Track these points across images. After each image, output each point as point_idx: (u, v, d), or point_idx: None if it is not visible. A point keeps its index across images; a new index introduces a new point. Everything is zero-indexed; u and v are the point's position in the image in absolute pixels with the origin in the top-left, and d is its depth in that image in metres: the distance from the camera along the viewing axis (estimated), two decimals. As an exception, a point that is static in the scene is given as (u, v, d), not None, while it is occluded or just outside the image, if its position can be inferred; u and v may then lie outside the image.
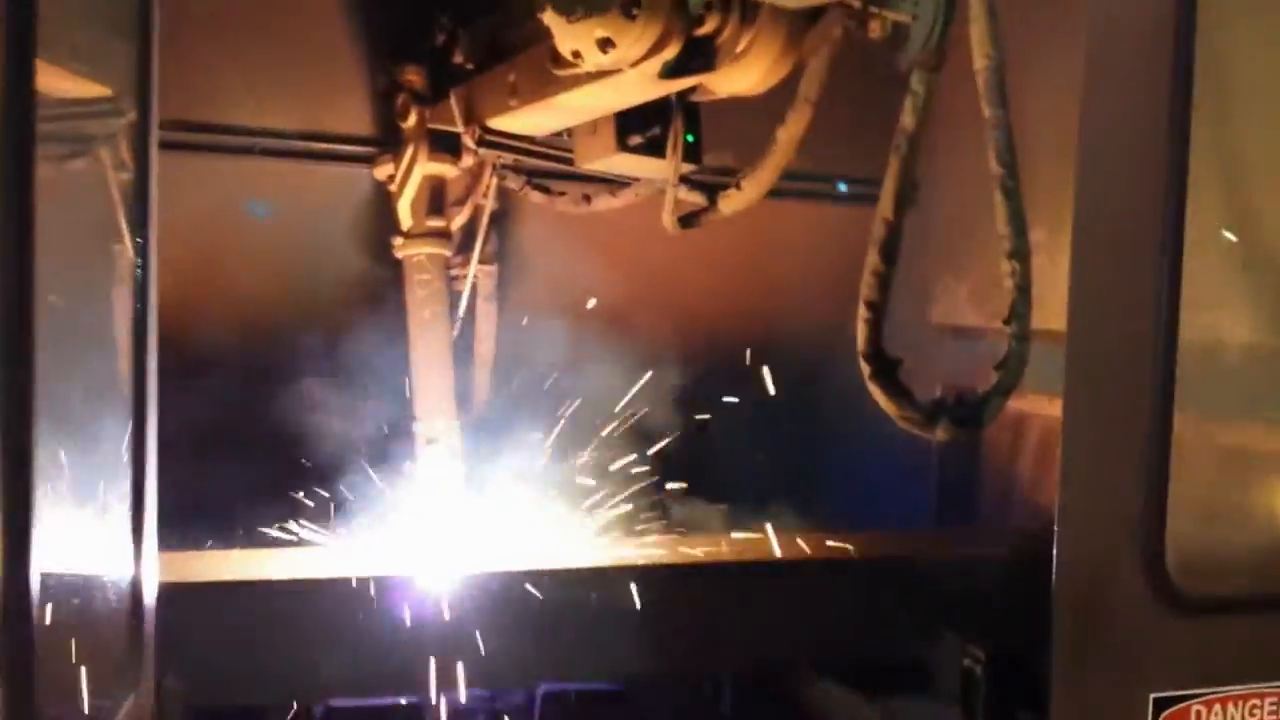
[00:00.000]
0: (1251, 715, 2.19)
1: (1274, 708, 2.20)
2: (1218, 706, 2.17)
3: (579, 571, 3.15)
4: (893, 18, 2.73)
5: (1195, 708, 2.15)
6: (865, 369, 3.25)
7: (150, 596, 2.12)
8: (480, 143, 3.78)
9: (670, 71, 2.74)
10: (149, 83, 1.96)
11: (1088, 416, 2.04)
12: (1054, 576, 2.03)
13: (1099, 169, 2.01)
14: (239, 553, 3.26)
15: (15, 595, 1.27)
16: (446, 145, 3.98)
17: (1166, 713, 2.13)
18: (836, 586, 3.35)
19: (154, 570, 2.15)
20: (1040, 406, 3.75)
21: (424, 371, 4.12)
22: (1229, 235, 2.37)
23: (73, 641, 1.75)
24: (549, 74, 3.04)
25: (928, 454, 4.27)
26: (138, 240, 2.05)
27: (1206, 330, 2.29)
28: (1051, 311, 2.62)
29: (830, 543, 3.54)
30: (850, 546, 3.50)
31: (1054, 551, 2.02)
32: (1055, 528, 2.01)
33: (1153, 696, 2.12)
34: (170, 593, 2.22)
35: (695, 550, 3.46)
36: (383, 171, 4.12)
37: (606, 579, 3.10)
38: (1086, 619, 2.06)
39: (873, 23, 2.76)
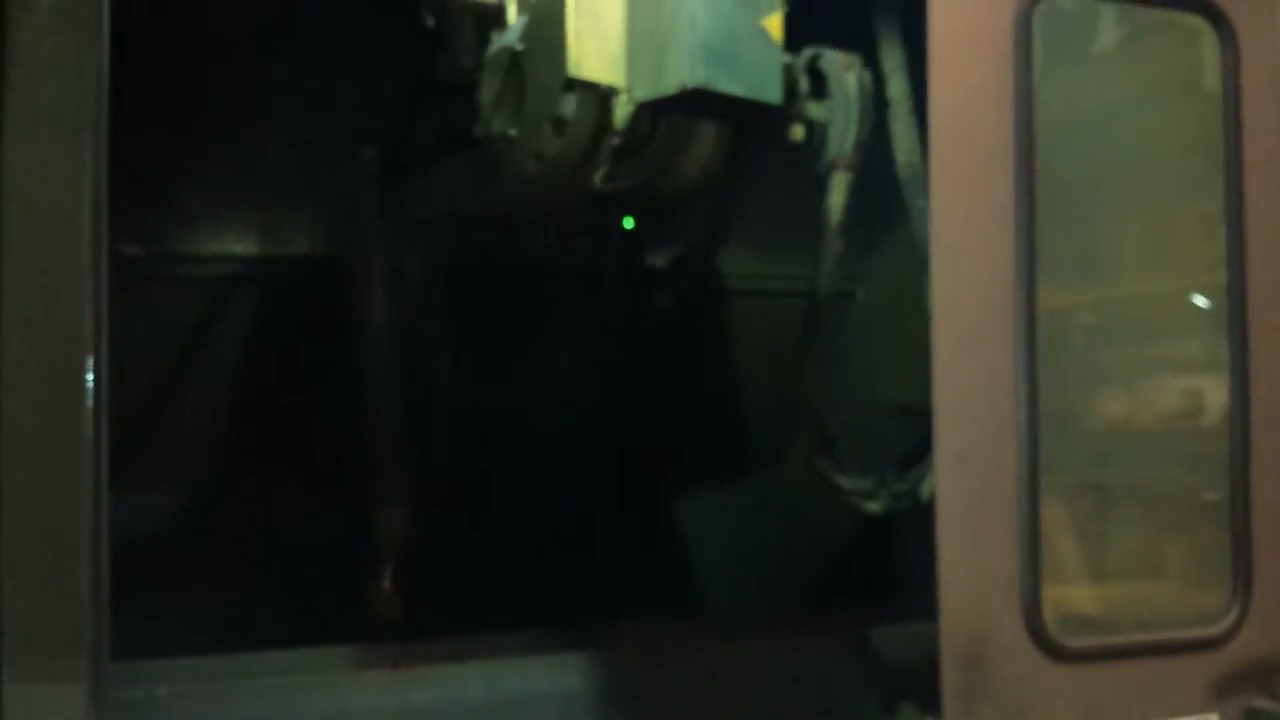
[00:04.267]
0: (1137, 755, 2.30)
1: (1158, 749, 2.31)
2: (1104, 747, 2.27)
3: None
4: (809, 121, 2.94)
5: (1082, 747, 2.26)
6: (808, 447, 3.41)
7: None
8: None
9: (606, 177, 2.93)
10: (100, 207, 2.09)
11: (961, 491, 2.17)
12: (940, 635, 2.15)
13: (953, 266, 2.18)
14: None
15: None
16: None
17: None
18: (794, 663, 3.43)
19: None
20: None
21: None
22: (1081, 319, 2.55)
23: None
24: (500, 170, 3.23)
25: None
26: (92, 359, 2.14)
27: (1066, 407, 2.44)
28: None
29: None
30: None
31: (939, 613, 2.14)
32: (938, 592, 2.14)
33: None
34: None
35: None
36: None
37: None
38: (974, 670, 2.18)
39: (793, 127, 2.96)
